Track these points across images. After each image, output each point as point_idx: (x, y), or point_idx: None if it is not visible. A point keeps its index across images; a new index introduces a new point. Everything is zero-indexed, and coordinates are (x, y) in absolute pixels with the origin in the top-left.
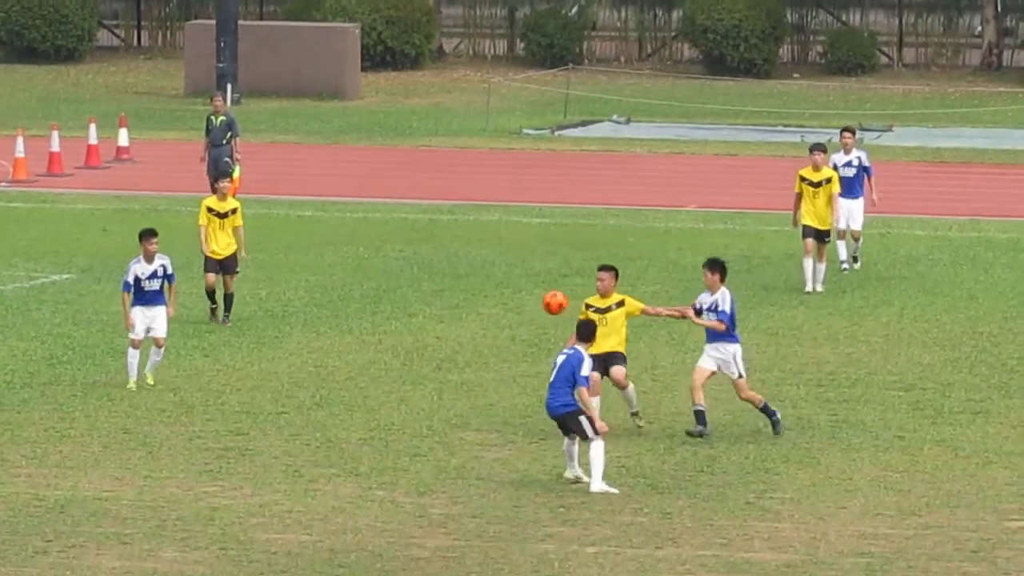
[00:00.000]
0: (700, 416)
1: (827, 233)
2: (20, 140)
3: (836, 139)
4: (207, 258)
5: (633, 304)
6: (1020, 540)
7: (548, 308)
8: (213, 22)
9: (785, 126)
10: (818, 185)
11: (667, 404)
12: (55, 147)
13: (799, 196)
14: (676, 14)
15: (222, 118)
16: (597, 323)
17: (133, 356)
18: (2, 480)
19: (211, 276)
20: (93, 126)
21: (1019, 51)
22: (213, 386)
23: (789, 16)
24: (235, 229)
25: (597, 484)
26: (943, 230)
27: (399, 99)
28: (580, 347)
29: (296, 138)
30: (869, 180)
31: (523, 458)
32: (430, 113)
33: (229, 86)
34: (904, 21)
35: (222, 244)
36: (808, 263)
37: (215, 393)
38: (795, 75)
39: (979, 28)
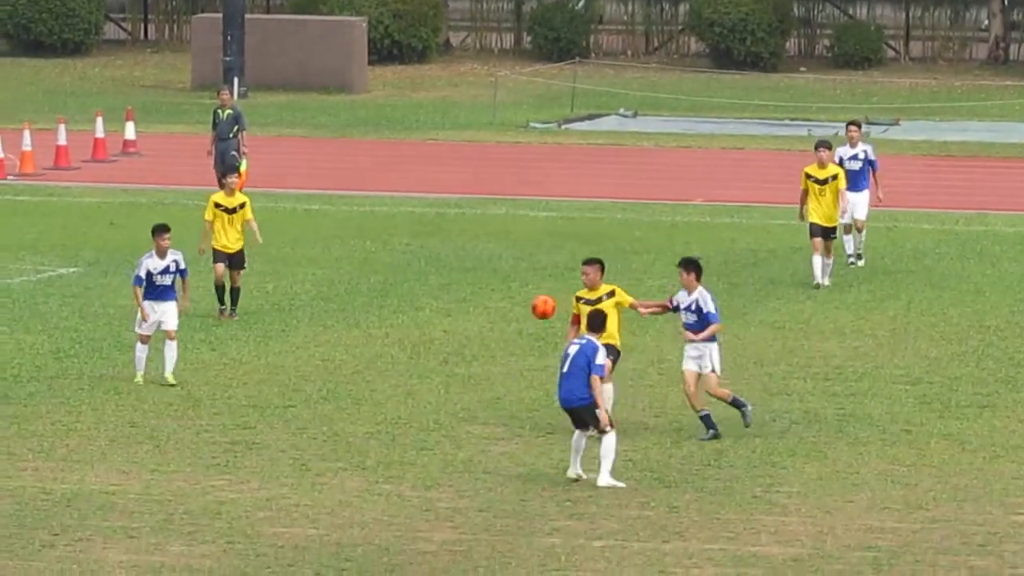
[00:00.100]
0: (707, 420)
1: (833, 230)
2: (27, 133)
3: (843, 133)
4: (216, 251)
5: (623, 296)
6: None
7: (538, 311)
8: (220, 16)
9: (792, 120)
10: (824, 182)
11: (673, 398)
12: (62, 140)
13: (805, 193)
14: (683, 8)
15: (229, 112)
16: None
17: (141, 351)
18: (9, 474)
19: (220, 267)
20: (100, 119)
21: None
22: (220, 380)
23: (796, 10)
24: (246, 223)
25: (605, 478)
26: (950, 224)
27: (406, 93)
28: (592, 336)
29: (303, 132)
30: (874, 174)
31: (530, 452)
32: (437, 107)
33: (236, 80)
34: (911, 15)
35: (231, 239)
36: (817, 260)
37: (222, 387)
38: (802, 69)
39: (986, 22)
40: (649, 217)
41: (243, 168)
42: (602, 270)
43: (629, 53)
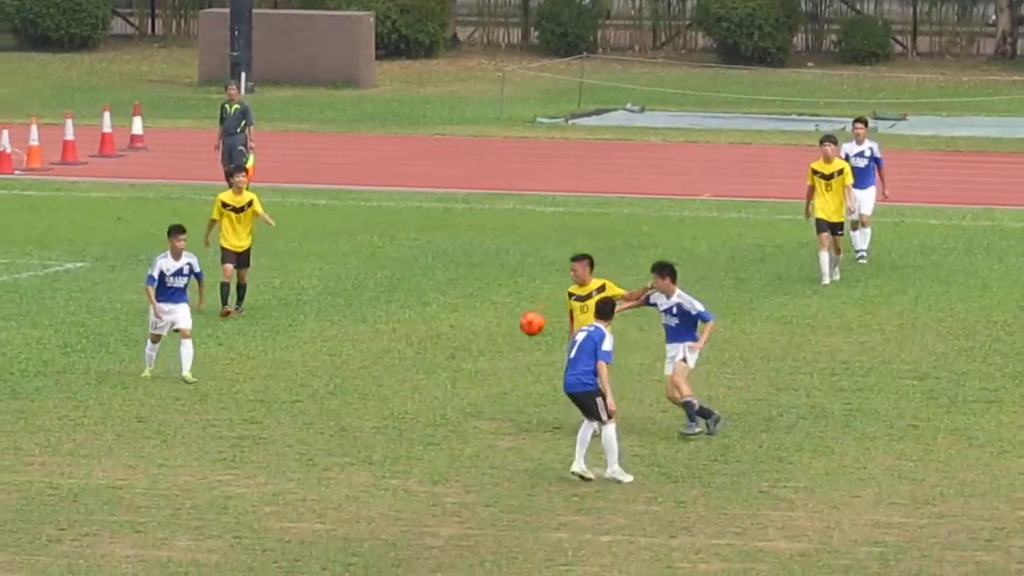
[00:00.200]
0: (704, 411)
1: (840, 225)
2: (34, 128)
3: (850, 128)
4: (225, 250)
5: (614, 289)
6: None
7: (524, 330)
8: (227, 10)
9: (799, 115)
10: (830, 177)
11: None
12: (69, 135)
13: (811, 189)
14: (690, 3)
15: (236, 106)
16: (579, 310)
17: (152, 349)
18: (16, 468)
19: (228, 267)
20: (107, 114)
21: None
22: (227, 375)
23: (803, 5)
24: (257, 216)
25: (612, 468)
26: (957, 219)
27: (413, 87)
28: (601, 324)
29: (310, 126)
30: (880, 171)
31: (537, 447)
32: (444, 101)
33: (243, 74)
34: (918, 10)
35: (240, 238)
36: (824, 256)
37: (229, 382)
38: (809, 64)
39: (993, 17)
40: (656, 212)
41: (250, 163)
42: (591, 265)
43: (636, 48)
